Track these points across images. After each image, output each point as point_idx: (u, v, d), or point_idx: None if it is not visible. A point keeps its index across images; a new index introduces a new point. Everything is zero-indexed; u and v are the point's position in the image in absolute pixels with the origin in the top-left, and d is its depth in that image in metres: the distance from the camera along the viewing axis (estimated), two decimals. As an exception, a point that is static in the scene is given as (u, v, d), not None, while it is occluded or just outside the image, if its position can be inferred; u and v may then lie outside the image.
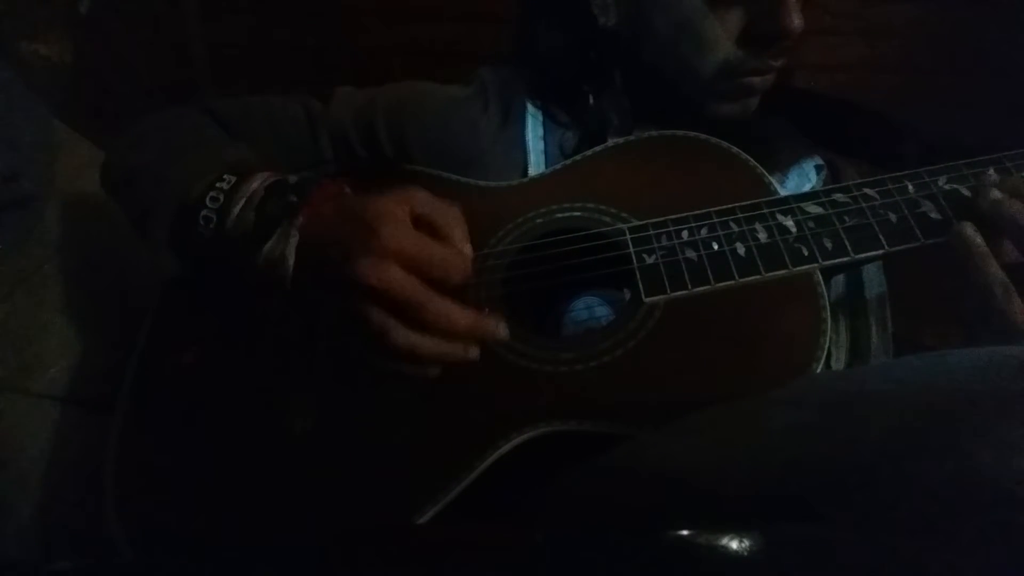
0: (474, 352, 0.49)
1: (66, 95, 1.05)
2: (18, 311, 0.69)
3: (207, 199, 0.53)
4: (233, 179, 0.54)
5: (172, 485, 0.55)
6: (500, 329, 0.49)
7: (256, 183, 0.53)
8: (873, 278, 0.66)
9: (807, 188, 0.66)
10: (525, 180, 0.64)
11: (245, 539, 0.50)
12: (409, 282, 0.45)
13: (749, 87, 0.63)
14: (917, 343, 0.67)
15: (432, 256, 0.47)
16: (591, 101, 0.68)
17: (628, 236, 0.55)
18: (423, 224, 0.49)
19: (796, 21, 0.58)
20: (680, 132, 0.61)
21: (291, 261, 0.50)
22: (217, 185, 0.53)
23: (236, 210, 0.52)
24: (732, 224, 0.54)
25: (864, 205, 0.53)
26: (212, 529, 0.51)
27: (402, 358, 0.47)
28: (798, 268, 0.51)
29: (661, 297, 0.52)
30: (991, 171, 0.52)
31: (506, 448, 0.49)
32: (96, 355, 0.73)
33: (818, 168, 0.68)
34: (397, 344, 0.46)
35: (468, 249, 0.50)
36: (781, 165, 0.67)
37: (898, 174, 0.54)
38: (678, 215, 0.55)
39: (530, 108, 0.69)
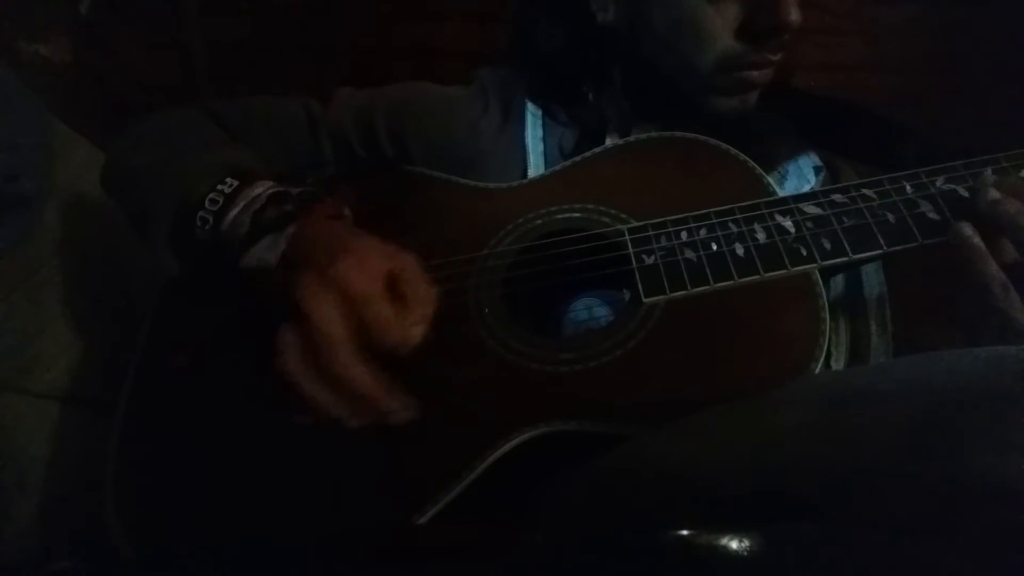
0: (357, 421, 0.45)
1: (66, 95, 1.05)
2: (18, 311, 0.69)
3: (207, 200, 0.54)
4: (235, 183, 0.54)
5: (172, 485, 0.55)
6: (404, 413, 0.45)
7: (259, 190, 0.53)
8: (872, 278, 0.66)
9: (806, 189, 0.66)
10: (525, 181, 0.64)
11: (245, 539, 0.50)
12: (331, 317, 0.44)
13: (748, 81, 0.63)
14: (917, 343, 0.67)
15: (375, 312, 0.45)
16: (590, 99, 0.68)
17: (627, 237, 0.56)
18: (394, 287, 0.47)
19: (794, 14, 0.58)
20: (679, 133, 0.61)
21: (272, 266, 0.50)
22: (218, 187, 0.54)
23: (233, 213, 0.53)
24: (731, 225, 0.54)
25: (862, 205, 0.53)
26: (212, 529, 0.51)
27: (287, 385, 0.45)
28: (797, 268, 0.51)
29: (660, 297, 0.53)
30: (988, 171, 0.52)
31: (506, 448, 0.49)
32: (96, 355, 0.73)
33: (817, 169, 0.68)
34: (284, 367, 0.44)
35: (416, 332, 0.47)
36: (779, 163, 0.67)
37: (896, 175, 0.55)
38: (677, 216, 0.55)
39: (530, 108, 0.69)
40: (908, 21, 1.29)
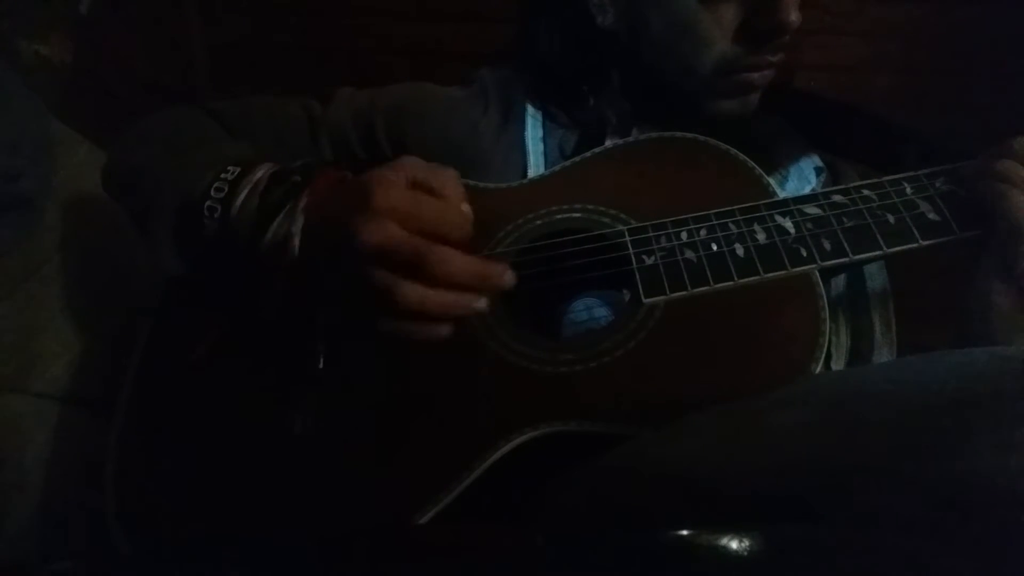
0: (482, 302, 0.47)
1: (66, 95, 1.05)
2: (18, 311, 0.69)
3: (212, 190, 0.53)
4: (237, 170, 0.54)
5: (172, 485, 0.55)
6: (506, 276, 0.47)
7: (260, 172, 0.53)
8: (876, 276, 0.66)
9: (806, 190, 0.66)
10: (525, 182, 0.64)
11: (245, 539, 0.50)
12: (406, 236, 0.45)
13: (748, 83, 0.63)
14: (917, 343, 0.67)
15: (428, 210, 0.46)
16: (590, 101, 0.68)
17: (627, 237, 0.56)
18: (421, 188, 0.49)
19: (792, 16, 0.58)
20: (679, 134, 0.61)
21: (297, 240, 0.50)
22: (222, 176, 0.53)
23: (241, 198, 0.52)
24: (731, 225, 0.54)
25: (862, 206, 0.53)
26: (212, 528, 0.51)
27: (411, 316, 0.46)
28: (797, 269, 0.51)
29: (660, 298, 0.53)
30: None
31: (507, 448, 0.49)
32: (96, 355, 0.73)
33: (818, 170, 0.68)
34: (404, 299, 0.45)
35: (466, 207, 0.49)
36: (780, 164, 0.67)
37: (896, 176, 0.55)
38: (677, 216, 0.55)
39: (530, 109, 0.69)
40: (908, 21, 1.29)
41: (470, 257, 0.46)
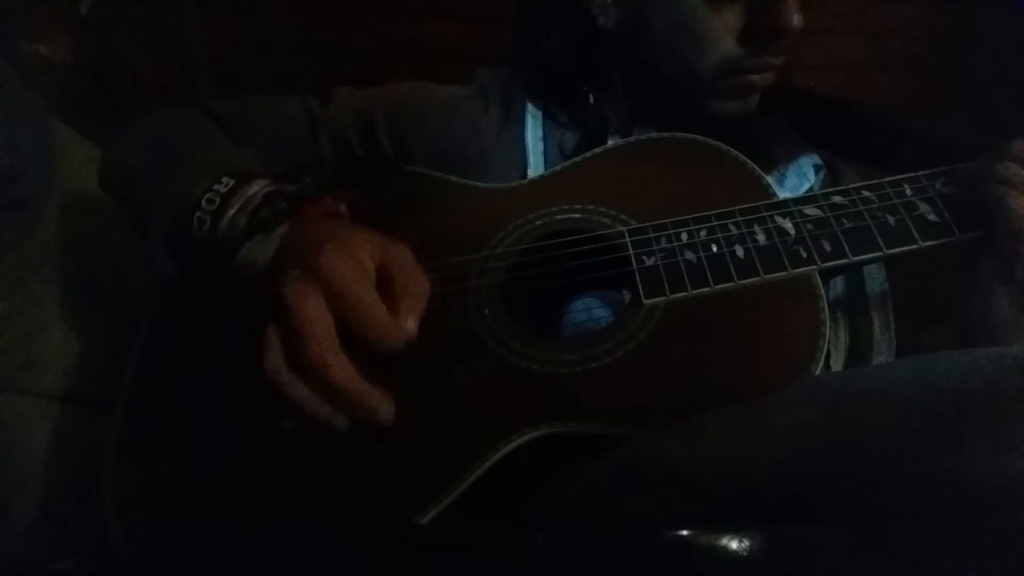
0: (338, 421, 0.44)
1: (66, 95, 1.05)
2: (18, 311, 0.69)
3: (203, 201, 0.53)
4: (231, 182, 0.54)
5: (172, 485, 0.54)
6: (384, 413, 0.44)
7: (254, 189, 0.53)
8: (875, 275, 0.66)
9: (806, 188, 0.66)
10: (525, 182, 0.64)
11: (245, 539, 0.50)
12: (312, 309, 0.43)
13: (749, 85, 0.63)
14: (917, 343, 0.67)
15: (358, 301, 0.43)
16: (591, 101, 0.68)
17: (628, 238, 0.56)
18: (386, 282, 0.46)
19: (795, 19, 0.58)
20: (679, 134, 0.61)
21: (261, 264, 0.50)
22: (215, 187, 0.53)
23: (230, 213, 0.52)
24: (731, 226, 0.54)
25: (862, 208, 0.53)
26: (212, 529, 0.51)
27: (268, 384, 0.44)
28: (796, 270, 0.51)
29: (661, 299, 0.53)
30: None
31: (507, 449, 0.49)
32: (96, 355, 0.73)
33: (817, 168, 0.68)
34: (265, 366, 0.43)
35: (410, 326, 0.45)
36: (779, 163, 0.67)
37: (896, 177, 0.55)
38: (677, 217, 0.55)
39: (530, 109, 0.69)
40: (908, 21, 1.29)
41: (357, 376, 0.43)
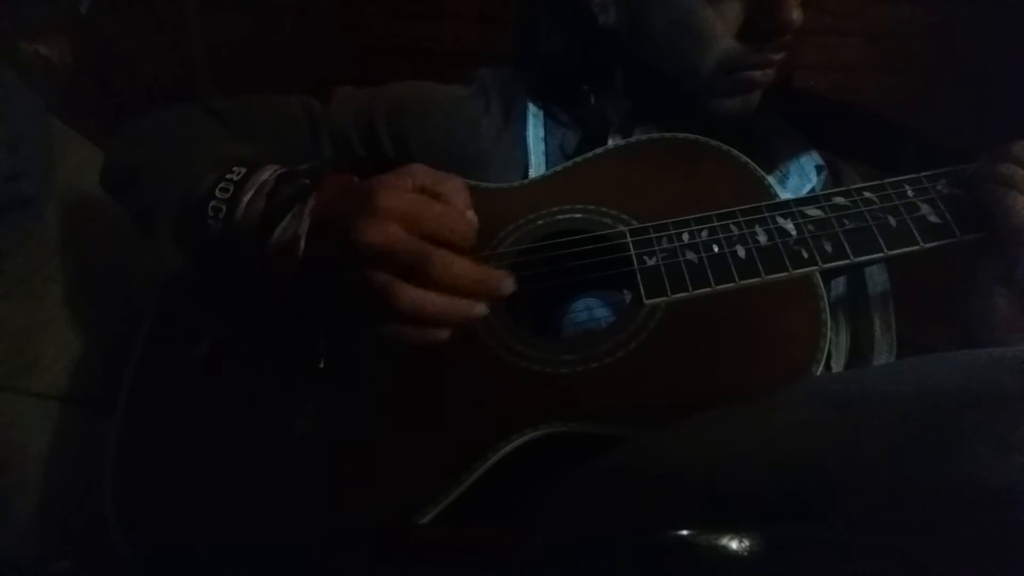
0: (481, 308, 0.46)
1: (66, 95, 1.05)
2: (18, 311, 0.69)
3: (216, 190, 0.53)
4: (243, 170, 0.53)
5: (172, 485, 0.55)
6: (507, 282, 0.47)
7: (267, 174, 0.53)
8: (876, 275, 0.66)
9: (807, 188, 0.66)
10: (526, 182, 0.64)
11: (245, 539, 0.50)
12: (407, 238, 0.44)
13: (750, 82, 0.63)
14: (917, 343, 0.67)
15: (431, 214, 0.46)
16: (592, 101, 0.68)
17: (629, 238, 0.56)
18: (427, 194, 0.48)
19: (795, 14, 0.58)
20: (680, 135, 0.61)
21: (303, 243, 0.49)
22: (227, 176, 0.53)
23: (246, 199, 0.52)
24: (732, 227, 0.54)
25: (863, 208, 0.53)
26: (212, 528, 0.51)
27: (409, 320, 0.45)
28: (798, 271, 0.51)
29: (662, 299, 0.53)
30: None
31: (507, 449, 0.49)
32: (96, 355, 0.73)
33: (819, 168, 0.68)
34: (402, 302, 0.44)
35: (471, 214, 0.49)
36: (780, 163, 0.67)
37: (897, 178, 0.55)
38: (679, 217, 0.55)
39: (531, 108, 0.69)
40: (908, 21, 1.29)
41: (471, 262, 0.46)
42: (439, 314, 0.46)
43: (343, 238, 0.45)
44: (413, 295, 0.45)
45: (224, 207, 0.52)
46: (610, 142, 0.64)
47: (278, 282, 0.50)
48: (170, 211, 0.56)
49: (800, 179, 0.67)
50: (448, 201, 0.48)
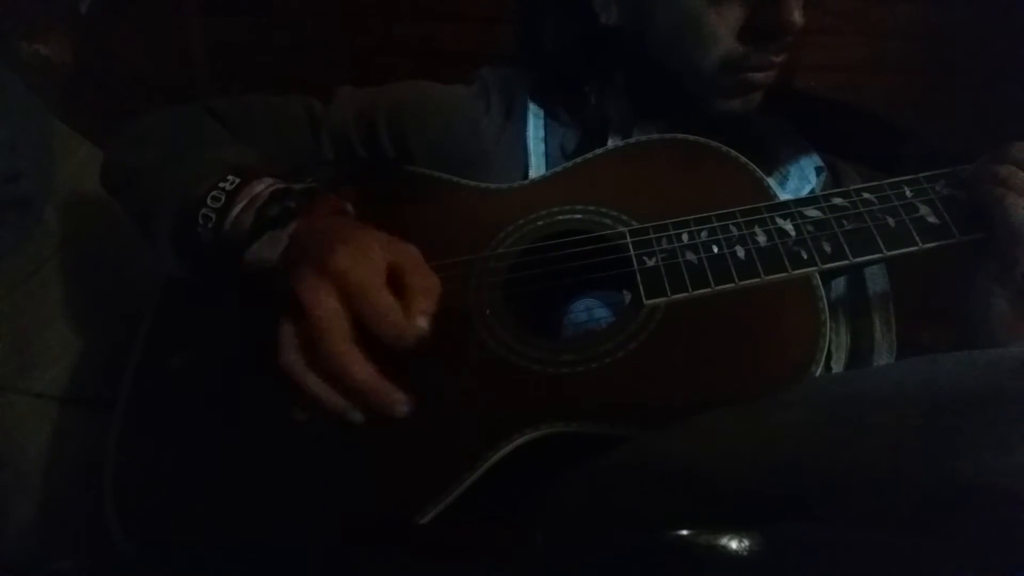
0: (356, 416, 0.44)
1: (66, 95, 1.05)
2: (18, 311, 0.69)
3: (208, 199, 0.53)
4: (237, 180, 0.53)
5: (172, 484, 0.55)
6: (399, 407, 0.44)
7: (261, 187, 0.53)
8: (876, 275, 0.66)
9: (807, 189, 0.66)
10: (526, 182, 0.64)
11: (245, 539, 0.50)
12: (328, 308, 0.43)
13: (751, 82, 0.63)
14: (917, 343, 0.67)
15: (374, 301, 0.44)
16: (592, 100, 0.68)
17: (629, 239, 0.56)
18: (397, 280, 0.46)
19: (796, 15, 0.58)
20: (680, 135, 0.61)
21: (271, 262, 0.50)
22: (220, 185, 0.53)
23: (236, 211, 0.52)
24: (732, 227, 0.54)
25: (862, 209, 0.53)
26: (212, 528, 0.51)
27: (287, 379, 0.44)
28: (797, 271, 0.52)
29: (661, 299, 0.53)
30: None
31: (507, 449, 0.49)
32: (96, 355, 0.73)
33: (818, 170, 0.68)
34: (281, 361, 0.44)
35: (419, 324, 0.45)
36: (780, 164, 0.67)
37: (896, 179, 0.55)
38: (678, 218, 0.55)
39: (532, 108, 0.69)
40: (908, 22, 1.29)
41: (373, 372, 0.44)
42: (309, 393, 0.44)
43: (290, 277, 0.45)
44: (292, 362, 0.44)
45: (214, 216, 0.53)
46: (610, 142, 0.64)
47: (254, 292, 0.50)
48: (167, 213, 0.56)
49: (800, 180, 0.67)
50: (409, 297, 0.46)
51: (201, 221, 0.53)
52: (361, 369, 0.43)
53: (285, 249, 0.50)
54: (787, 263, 0.52)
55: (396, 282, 0.46)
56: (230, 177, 0.54)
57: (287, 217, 0.51)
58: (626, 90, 0.68)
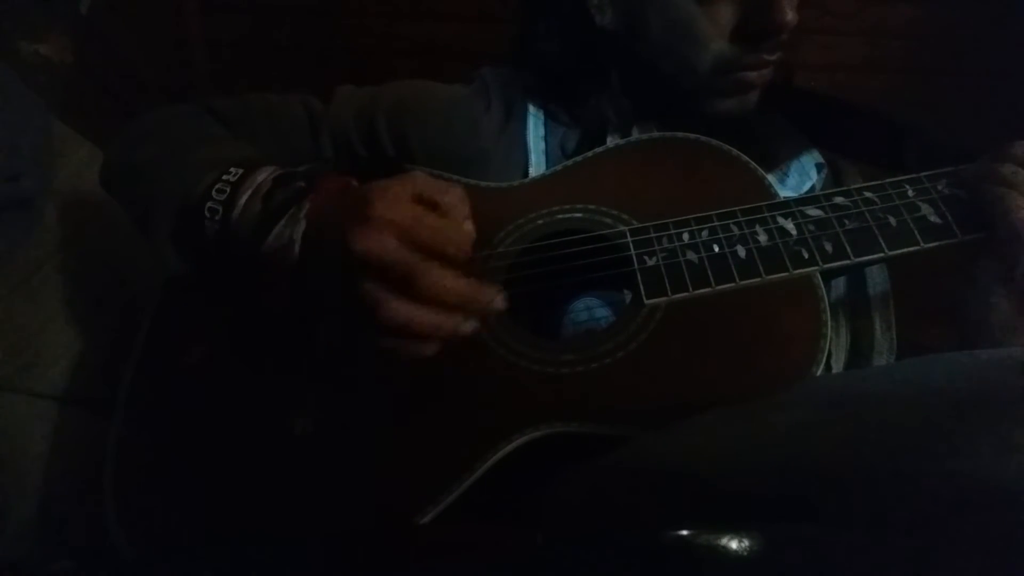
0: (471, 325, 0.46)
1: (66, 95, 1.05)
2: (18, 311, 0.69)
3: (213, 191, 0.53)
4: (239, 171, 0.53)
5: (172, 485, 0.55)
6: (498, 300, 0.46)
7: (263, 175, 0.53)
8: (877, 276, 0.66)
9: (808, 187, 0.66)
10: (526, 181, 0.64)
11: (245, 539, 0.50)
12: (400, 250, 0.44)
13: (746, 82, 0.63)
14: (917, 343, 0.67)
15: (428, 227, 0.45)
16: (590, 100, 0.68)
17: (629, 238, 0.55)
18: (426, 204, 0.48)
19: (789, 15, 0.58)
20: (680, 134, 0.61)
21: (297, 247, 0.49)
22: (223, 178, 0.53)
23: (243, 201, 0.52)
24: (733, 227, 0.54)
25: (864, 208, 0.53)
26: (212, 529, 0.51)
27: (397, 332, 0.45)
28: (798, 271, 0.51)
29: (662, 299, 0.53)
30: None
31: (507, 449, 0.49)
32: (96, 355, 0.73)
33: (819, 167, 0.68)
34: (390, 315, 0.44)
35: (469, 226, 0.48)
36: (781, 161, 0.67)
37: (898, 178, 0.55)
38: (679, 217, 0.55)
39: (532, 108, 0.69)
40: (908, 21, 1.29)
41: (463, 278, 0.45)
42: (426, 330, 0.45)
43: (337, 245, 0.45)
44: (400, 310, 0.44)
45: (220, 208, 0.52)
46: (609, 141, 0.64)
47: (274, 284, 0.50)
48: (168, 211, 0.56)
49: (800, 177, 0.67)
50: (447, 212, 0.47)
51: (207, 215, 0.53)
52: (456, 280, 0.45)
53: (307, 227, 0.50)
54: (788, 262, 0.52)
55: (426, 205, 0.47)
56: (232, 169, 0.53)
57: (298, 197, 0.51)
58: (623, 90, 0.68)
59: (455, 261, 0.46)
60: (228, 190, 0.53)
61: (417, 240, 0.45)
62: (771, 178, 0.58)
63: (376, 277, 0.44)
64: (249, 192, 0.52)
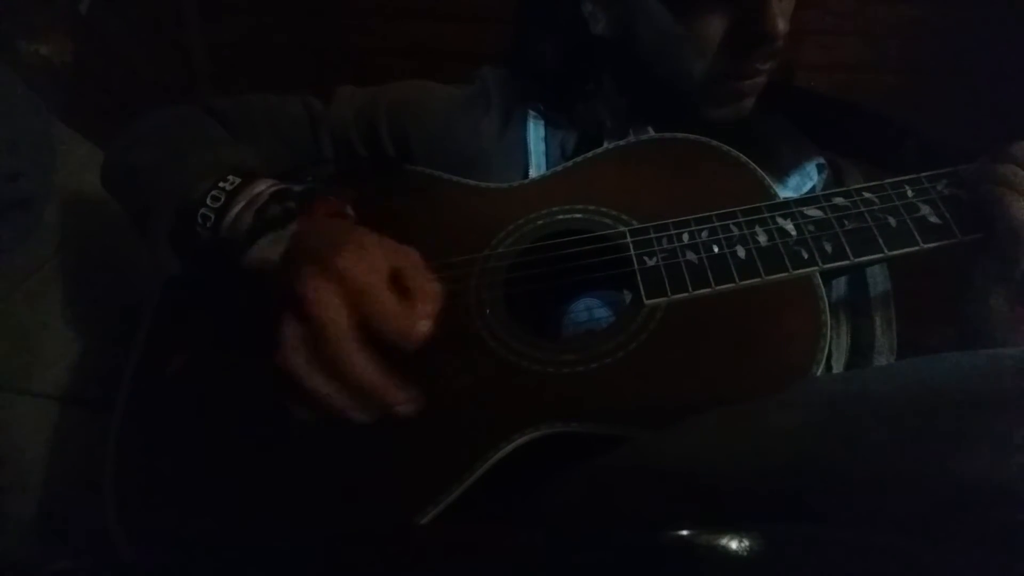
0: (362, 417, 0.44)
1: (66, 95, 1.05)
2: (18, 311, 0.69)
3: (208, 198, 0.53)
4: (237, 180, 0.53)
5: (172, 485, 0.55)
6: (408, 406, 0.44)
7: (261, 187, 0.53)
8: (878, 276, 0.66)
9: (808, 187, 0.66)
10: (526, 181, 0.64)
11: (245, 539, 0.50)
12: (334, 309, 0.42)
13: (740, 90, 0.63)
14: (918, 343, 0.67)
15: (380, 304, 0.43)
16: (586, 104, 0.68)
17: (629, 238, 0.56)
18: (399, 283, 0.46)
19: (780, 25, 0.57)
20: (680, 135, 0.61)
21: (273, 261, 0.49)
22: (220, 185, 0.53)
23: (235, 211, 0.52)
24: (732, 227, 0.54)
25: (863, 209, 0.53)
26: (212, 529, 0.51)
27: (284, 381, 0.43)
28: (798, 271, 0.51)
29: (662, 299, 0.53)
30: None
31: (507, 449, 0.49)
32: (96, 355, 0.73)
33: (820, 167, 0.68)
34: (284, 364, 0.42)
35: (422, 328, 0.45)
36: (782, 164, 0.67)
37: (897, 179, 0.55)
38: (679, 218, 0.55)
39: (531, 109, 0.69)
40: (908, 21, 1.29)
41: (381, 372, 0.43)
42: (309, 394, 0.43)
43: (292, 278, 0.44)
44: (296, 364, 0.42)
45: (213, 216, 0.52)
46: (606, 143, 0.64)
47: (253, 294, 0.50)
48: (166, 212, 0.56)
49: (801, 178, 0.67)
50: (412, 300, 0.45)
51: (200, 221, 0.53)
52: (366, 367, 0.43)
53: (286, 250, 0.50)
54: (788, 263, 0.52)
55: (397, 285, 0.46)
56: (230, 177, 0.53)
57: (287, 218, 0.51)
58: (619, 95, 0.68)
59: (394, 350, 0.44)
60: (223, 198, 0.53)
61: (363, 312, 0.43)
62: (771, 179, 0.58)
63: (299, 323, 0.43)
64: (243, 203, 0.52)
